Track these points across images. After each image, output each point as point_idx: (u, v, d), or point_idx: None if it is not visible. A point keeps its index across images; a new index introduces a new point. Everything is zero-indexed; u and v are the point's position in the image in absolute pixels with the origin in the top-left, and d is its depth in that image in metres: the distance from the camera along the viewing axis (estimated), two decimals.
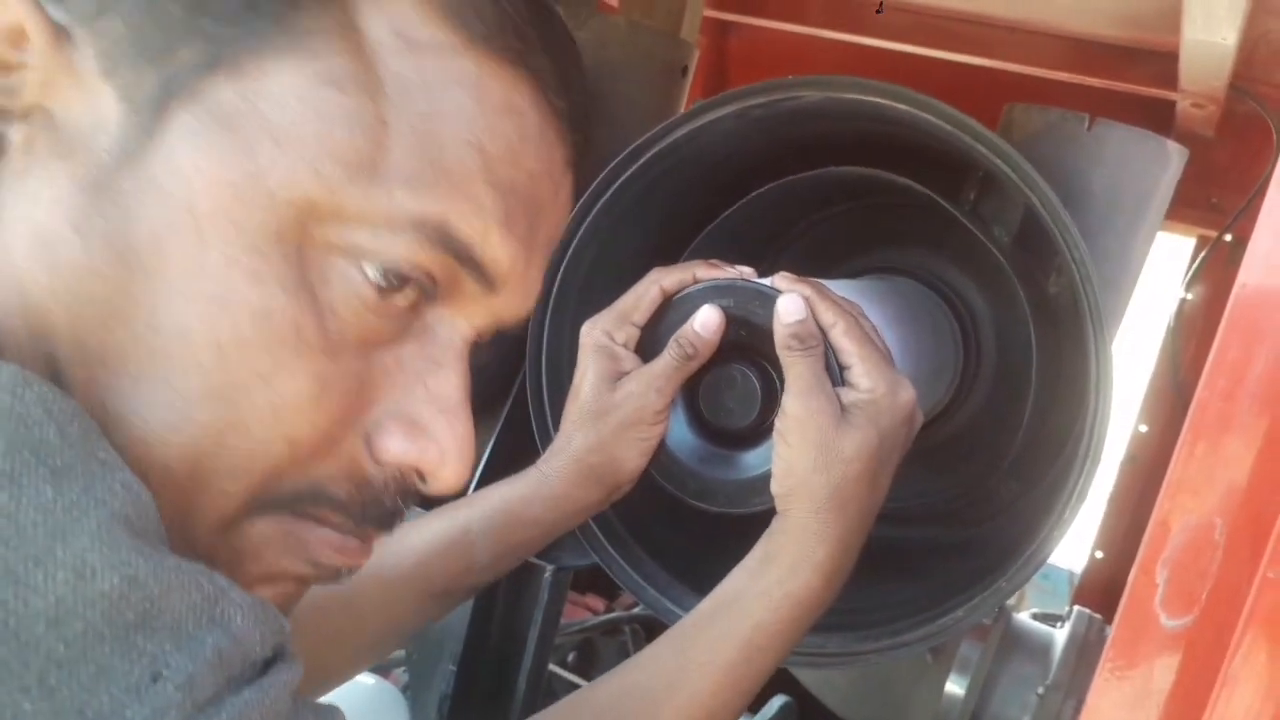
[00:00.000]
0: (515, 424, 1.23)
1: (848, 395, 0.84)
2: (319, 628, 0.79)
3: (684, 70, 1.39)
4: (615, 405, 0.91)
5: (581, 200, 1.12)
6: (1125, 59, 1.73)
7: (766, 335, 0.85)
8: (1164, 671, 0.58)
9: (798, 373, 0.83)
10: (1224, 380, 0.57)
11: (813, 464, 0.80)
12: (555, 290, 1.15)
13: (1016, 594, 1.46)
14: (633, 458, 0.92)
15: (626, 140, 1.37)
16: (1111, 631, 0.60)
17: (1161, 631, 0.58)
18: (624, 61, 1.35)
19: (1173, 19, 1.06)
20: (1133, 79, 1.77)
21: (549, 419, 1.15)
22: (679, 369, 0.90)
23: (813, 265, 1.33)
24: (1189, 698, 0.57)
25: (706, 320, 0.89)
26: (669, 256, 1.24)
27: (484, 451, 1.22)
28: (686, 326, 0.89)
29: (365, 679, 1.11)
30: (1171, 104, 1.43)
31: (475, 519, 0.91)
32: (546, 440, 1.12)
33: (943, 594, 0.98)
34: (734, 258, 1.00)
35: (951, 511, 1.30)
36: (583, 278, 1.16)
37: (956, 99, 0.97)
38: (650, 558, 1.05)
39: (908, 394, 0.85)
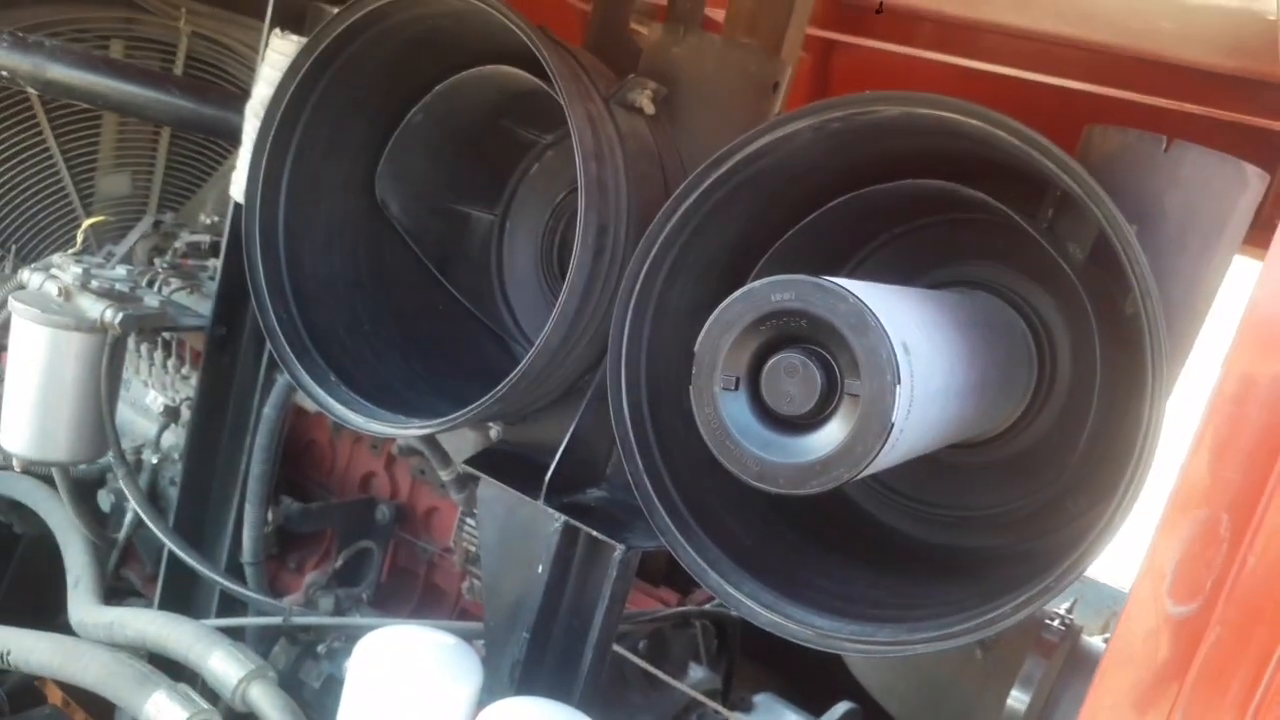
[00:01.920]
0: (596, 411, 1.31)
1: None
2: None
3: (775, 86, 1.45)
4: None
5: (664, 207, 1.19)
6: (1230, 87, 1.72)
7: (826, 326, 0.90)
8: (1168, 653, 0.62)
9: None
10: (1234, 387, 0.61)
11: None
12: (636, 292, 1.21)
13: (1101, 622, 1.45)
14: None
15: (719, 147, 1.44)
16: (1119, 618, 0.64)
17: (1168, 617, 0.62)
18: (718, 76, 1.42)
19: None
20: (1236, 107, 1.75)
21: (625, 409, 1.22)
22: None
23: (890, 277, 1.37)
24: (1201, 681, 0.60)
25: None
26: (747, 263, 1.30)
27: (567, 434, 1.30)
28: None
29: (447, 639, 1.20)
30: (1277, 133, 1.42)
31: None
32: (623, 428, 1.19)
33: (994, 595, 1.02)
34: (811, 267, 1.05)
35: (1017, 522, 1.32)
36: (662, 281, 1.23)
37: (1059, 123, 1.00)
38: (715, 544, 1.11)
39: None
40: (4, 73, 1.91)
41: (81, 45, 2.34)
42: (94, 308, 1.64)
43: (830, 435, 0.91)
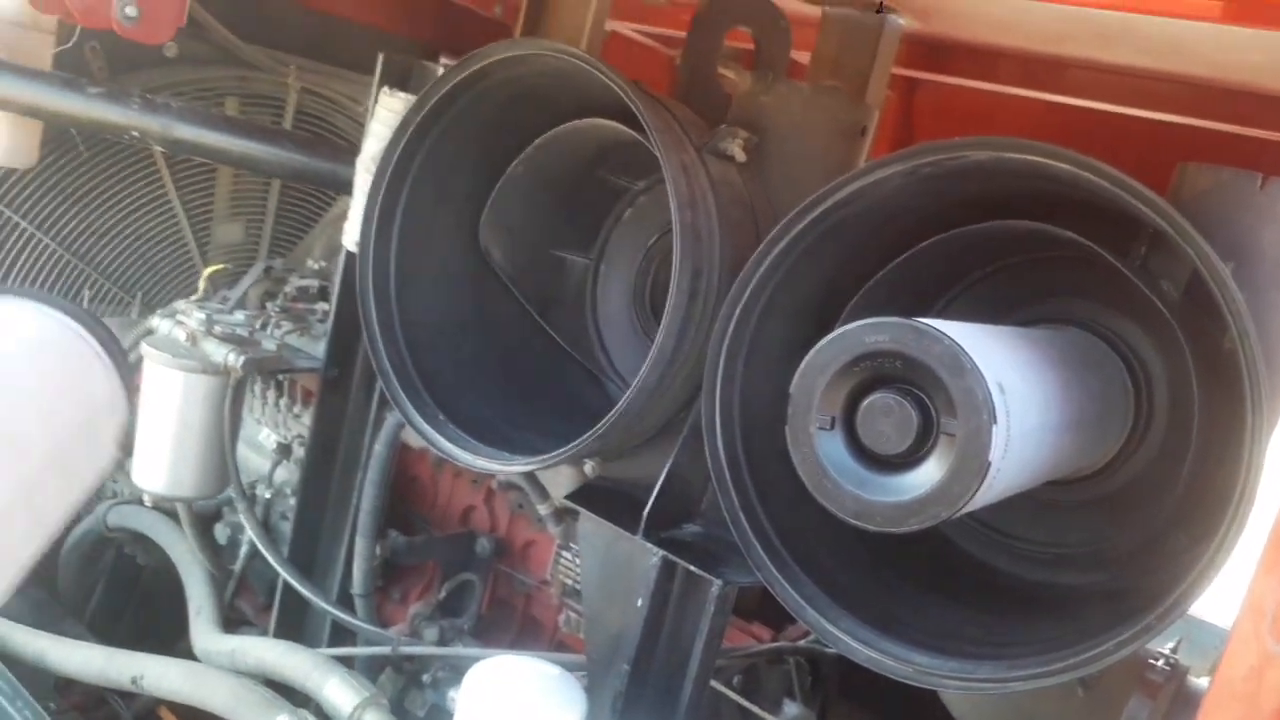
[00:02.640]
0: (691, 449, 1.35)
1: None
2: None
3: (863, 131, 1.49)
4: None
5: (758, 251, 1.23)
6: None
7: (920, 367, 0.93)
8: (1271, 692, 0.63)
9: None
10: None
11: None
12: (730, 333, 1.26)
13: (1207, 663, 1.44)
14: None
15: (808, 193, 1.48)
16: (1223, 655, 0.66)
17: (1270, 655, 0.63)
18: (806, 123, 1.47)
19: None
20: None
21: (720, 447, 1.26)
22: None
23: (980, 315, 1.39)
24: None
25: None
26: (837, 303, 1.33)
27: (664, 471, 1.34)
28: None
29: (552, 670, 1.24)
30: None
31: None
32: (718, 465, 1.23)
33: (1093, 633, 1.02)
34: (901, 307, 1.08)
35: (1116, 560, 1.32)
36: (755, 322, 1.27)
37: (1150, 155, 1.01)
38: (811, 580, 1.14)
39: None
40: (135, 133, 2.05)
41: (201, 104, 2.50)
42: (218, 352, 1.75)
43: (927, 474, 0.94)
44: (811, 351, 1.02)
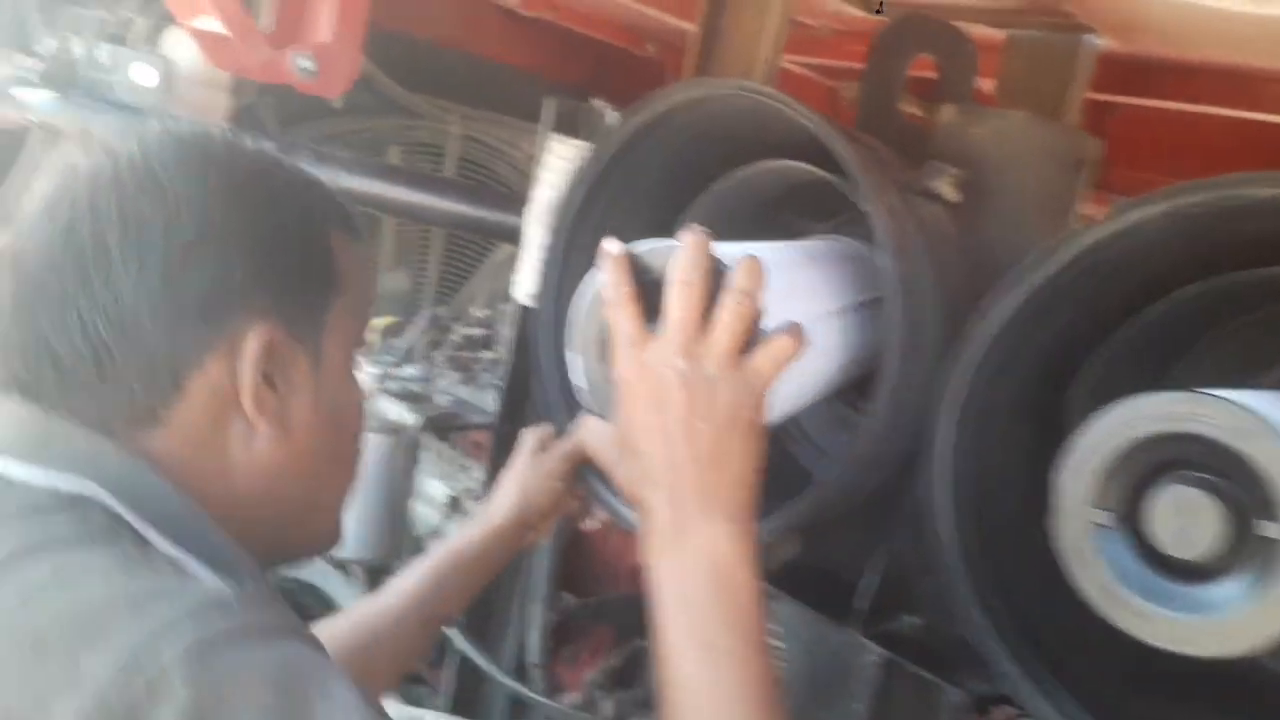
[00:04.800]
0: (912, 528, 1.21)
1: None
2: (356, 662, 1.14)
3: (1080, 164, 1.32)
4: (530, 474, 1.36)
5: (988, 302, 1.08)
6: None
7: (1229, 454, 0.76)
8: None
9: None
10: None
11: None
12: (959, 398, 1.11)
13: None
14: (537, 506, 1.34)
15: (1023, 234, 1.31)
16: None
17: None
18: (1022, 157, 1.31)
19: None
20: None
21: (952, 530, 1.11)
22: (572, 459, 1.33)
23: (1242, 369, 1.20)
24: None
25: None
26: (1070, 362, 1.17)
27: (879, 554, 1.20)
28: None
29: None
30: None
31: (437, 562, 1.30)
32: (950, 552, 1.08)
33: None
34: (1147, 363, 0.91)
35: None
36: (986, 386, 1.12)
37: None
38: (1071, 695, 0.97)
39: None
40: None
41: (366, 153, 2.51)
42: (392, 409, 1.71)
43: (1237, 586, 0.77)
44: (1083, 429, 0.87)
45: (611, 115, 1.67)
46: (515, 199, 2.12)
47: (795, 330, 0.92)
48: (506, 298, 3.09)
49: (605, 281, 0.94)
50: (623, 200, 1.52)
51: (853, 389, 1.35)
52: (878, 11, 1.81)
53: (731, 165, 1.53)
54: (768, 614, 0.89)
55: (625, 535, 2.18)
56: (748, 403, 0.88)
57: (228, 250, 0.78)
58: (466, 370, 2.26)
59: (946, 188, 1.22)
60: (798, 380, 1.03)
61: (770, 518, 1.17)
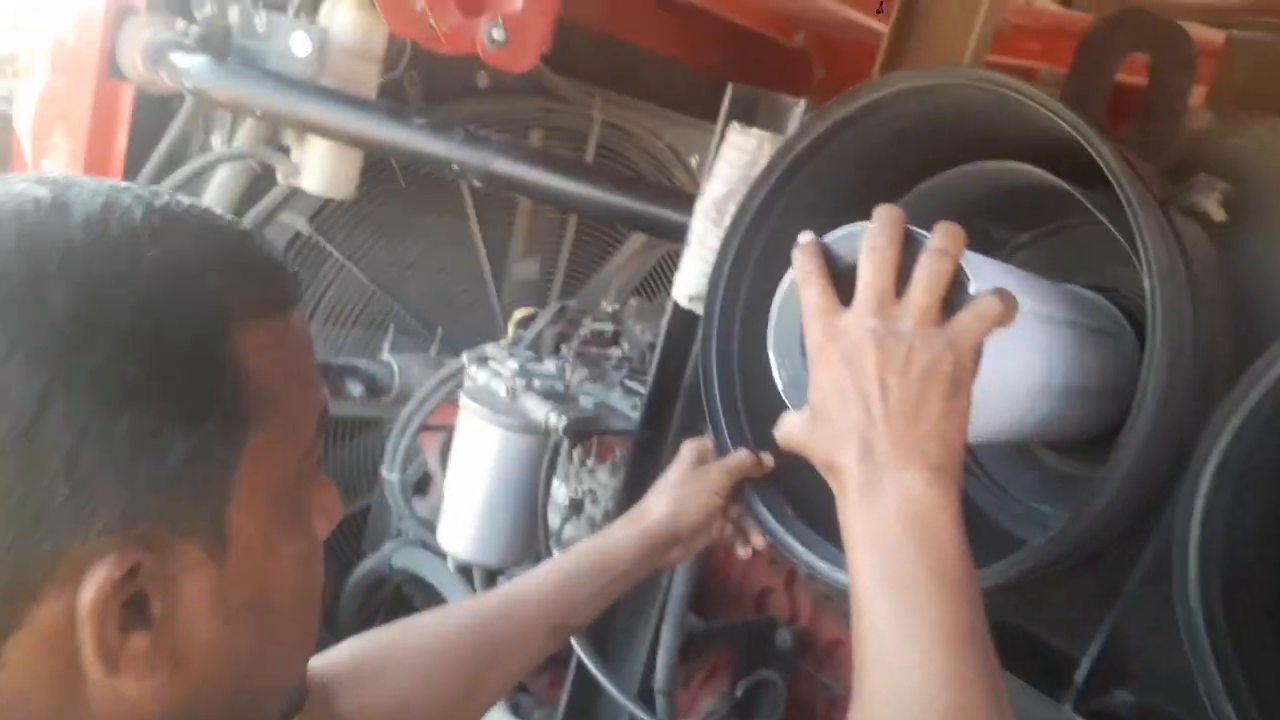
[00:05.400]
0: (1140, 596, 1.05)
1: None
2: (470, 668, 1.05)
3: None
4: (687, 486, 1.25)
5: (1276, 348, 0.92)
6: None
7: None
8: None
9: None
10: None
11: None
12: (1225, 450, 0.95)
13: None
14: (691, 520, 1.24)
15: None
16: None
17: None
18: None
19: None
20: None
21: (1198, 600, 0.95)
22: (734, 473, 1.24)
23: None
24: None
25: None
26: None
27: (1106, 623, 1.04)
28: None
29: None
30: None
31: (572, 564, 1.17)
32: (1193, 626, 0.92)
33: None
34: None
35: None
36: (1257, 436, 0.96)
37: None
38: None
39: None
40: (455, 166, 1.97)
41: (509, 136, 2.43)
42: (538, 409, 1.60)
43: None
44: None
45: (796, 106, 1.54)
46: (671, 193, 2.00)
47: (1005, 295, 0.86)
48: (636, 292, 3.00)
49: (796, 267, 0.93)
50: (807, 197, 1.38)
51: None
52: (878, 11, 1.65)
53: (933, 168, 1.38)
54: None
55: (754, 554, 2.05)
56: (947, 357, 0.83)
57: (43, 433, 0.49)
58: (595, 366, 2.15)
59: (1213, 205, 1.06)
60: (1008, 381, 0.94)
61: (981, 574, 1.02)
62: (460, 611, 1.17)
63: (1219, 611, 0.97)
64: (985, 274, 0.91)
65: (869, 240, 0.89)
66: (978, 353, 0.85)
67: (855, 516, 0.83)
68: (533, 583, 1.16)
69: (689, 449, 1.33)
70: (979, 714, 0.75)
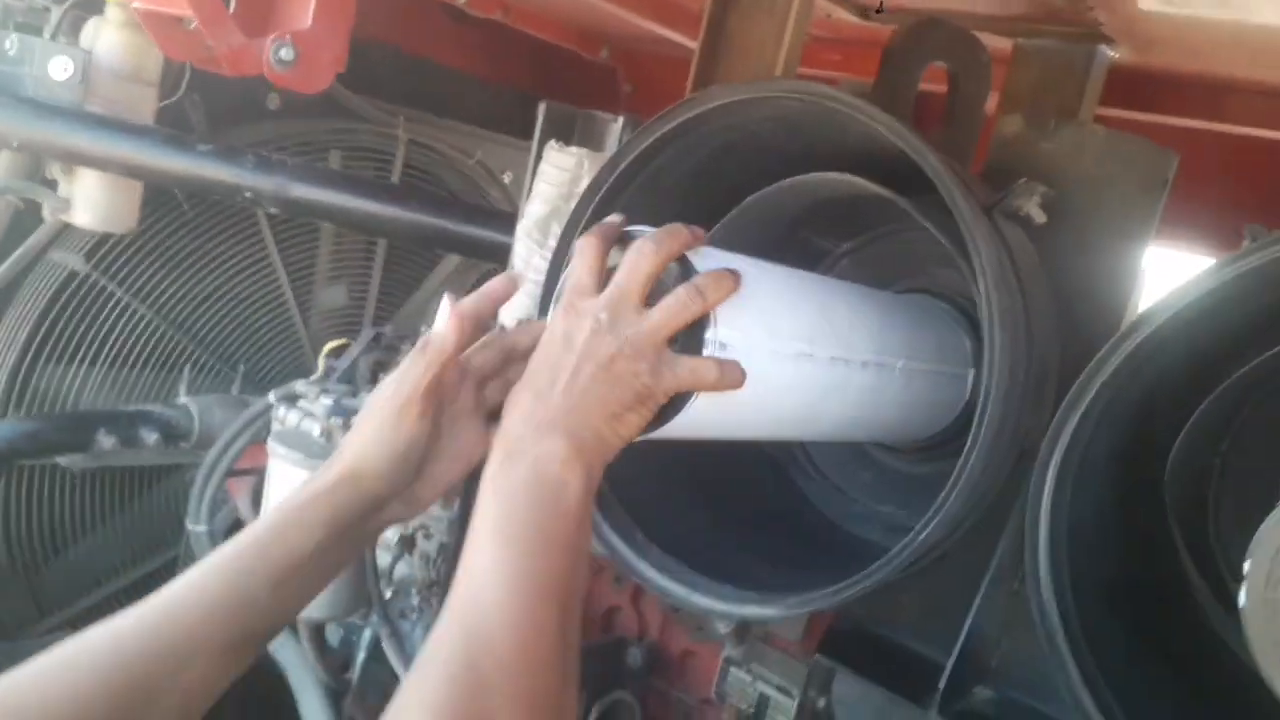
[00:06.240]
0: (992, 596, 1.06)
1: None
2: None
3: (1164, 183, 1.21)
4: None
5: (1110, 345, 0.95)
6: None
7: None
8: None
9: None
10: None
11: None
12: (1063, 450, 0.98)
13: None
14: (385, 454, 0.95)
15: (1101, 259, 1.20)
16: None
17: None
18: (1101, 173, 1.19)
19: None
20: None
21: (1051, 599, 0.97)
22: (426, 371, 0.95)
23: None
24: None
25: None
26: (1168, 413, 1.05)
27: (964, 629, 1.06)
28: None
29: None
30: None
31: (243, 548, 0.91)
32: (1049, 623, 0.94)
33: None
34: None
35: None
36: (1090, 435, 1.00)
37: None
38: None
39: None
40: (248, 194, 1.83)
41: (305, 159, 2.28)
42: None
43: None
44: None
45: (614, 122, 1.51)
46: (490, 212, 1.93)
47: (728, 367, 0.92)
48: None
49: (584, 237, 0.96)
50: (636, 214, 1.35)
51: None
52: (878, 11, 1.70)
53: (758, 182, 1.37)
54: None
55: (597, 574, 2.01)
56: (644, 379, 0.89)
57: None
58: None
59: (1035, 208, 1.09)
60: (744, 407, 0.98)
61: (856, 581, 1.02)
62: (94, 645, 0.82)
63: (1070, 604, 0.99)
64: (760, 305, 0.95)
65: (640, 243, 0.93)
66: (677, 395, 0.91)
67: (494, 471, 0.86)
68: (192, 583, 0.86)
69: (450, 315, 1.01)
70: (543, 662, 0.79)
